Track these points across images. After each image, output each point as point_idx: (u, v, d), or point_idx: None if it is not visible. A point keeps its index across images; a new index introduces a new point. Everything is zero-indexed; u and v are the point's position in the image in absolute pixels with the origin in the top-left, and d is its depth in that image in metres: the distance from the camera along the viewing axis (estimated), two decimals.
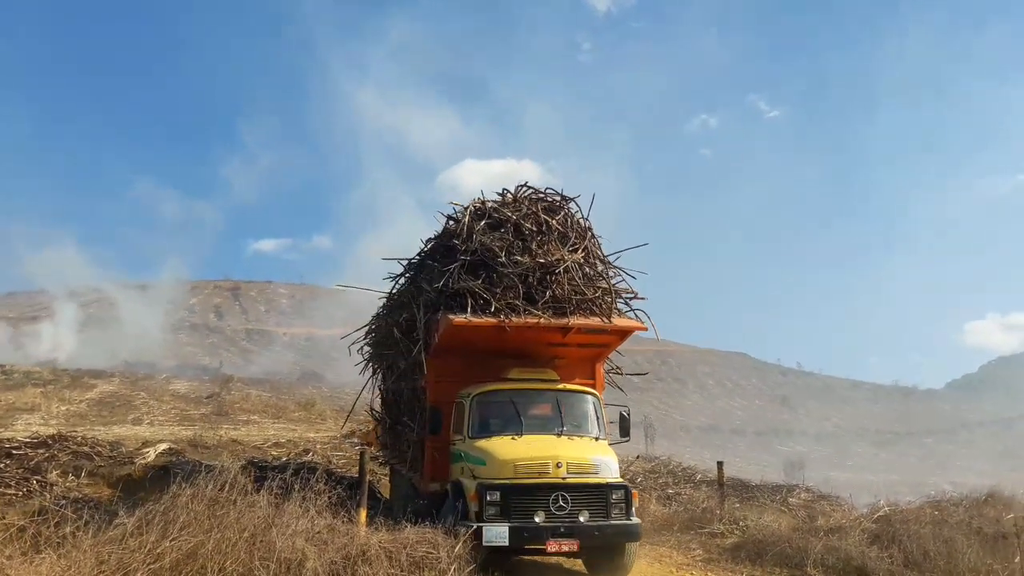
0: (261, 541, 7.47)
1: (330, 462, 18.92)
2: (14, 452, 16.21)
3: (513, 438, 10.29)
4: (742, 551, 12.39)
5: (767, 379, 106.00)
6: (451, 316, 10.62)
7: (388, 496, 16.03)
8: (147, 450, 18.12)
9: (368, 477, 15.66)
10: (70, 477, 15.17)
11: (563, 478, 9.72)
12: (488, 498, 9.52)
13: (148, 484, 14.28)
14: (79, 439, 18.19)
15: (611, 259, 12.14)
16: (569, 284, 11.20)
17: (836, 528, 12.96)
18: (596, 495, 9.82)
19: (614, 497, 9.87)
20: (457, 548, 8.20)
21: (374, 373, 16.85)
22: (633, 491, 10.24)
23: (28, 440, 17.74)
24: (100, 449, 17.55)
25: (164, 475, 15.15)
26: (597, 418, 11.05)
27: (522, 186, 12.47)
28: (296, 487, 8.41)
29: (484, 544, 9.24)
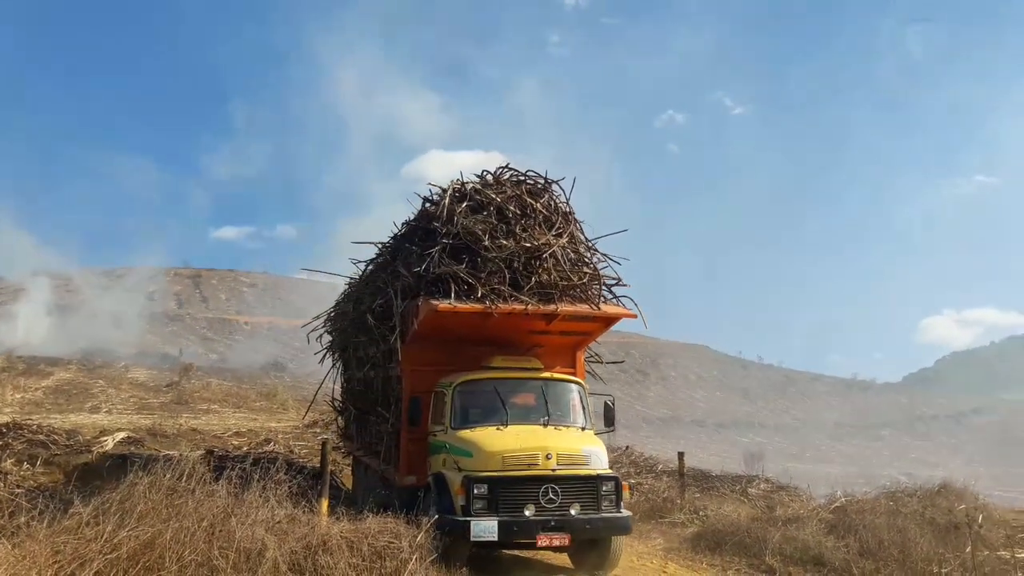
0: (220, 531, 7.39)
1: (291, 452, 18.79)
2: None
3: (498, 428, 10.01)
4: (702, 540, 12.53)
5: (728, 372, 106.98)
6: (434, 302, 10.26)
7: (351, 487, 15.95)
8: (105, 439, 17.85)
9: (330, 468, 15.63)
10: (25, 466, 14.91)
11: (553, 470, 9.47)
12: (475, 491, 9.24)
13: (105, 473, 14.08)
14: (34, 427, 17.87)
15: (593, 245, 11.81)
16: (555, 269, 10.92)
17: (794, 518, 13.14)
18: (587, 487, 9.59)
19: (604, 489, 9.64)
20: (419, 538, 8.18)
21: (336, 362, 16.61)
22: (623, 483, 10.02)
23: None
24: (56, 437, 17.25)
25: (122, 464, 14.94)
26: (583, 408, 10.81)
27: (504, 168, 12.13)
28: (256, 477, 8.33)
29: (472, 539, 9.05)
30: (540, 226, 11.27)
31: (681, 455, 16.94)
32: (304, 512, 8.29)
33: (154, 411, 27.19)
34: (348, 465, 17.25)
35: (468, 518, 9.14)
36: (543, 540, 9.29)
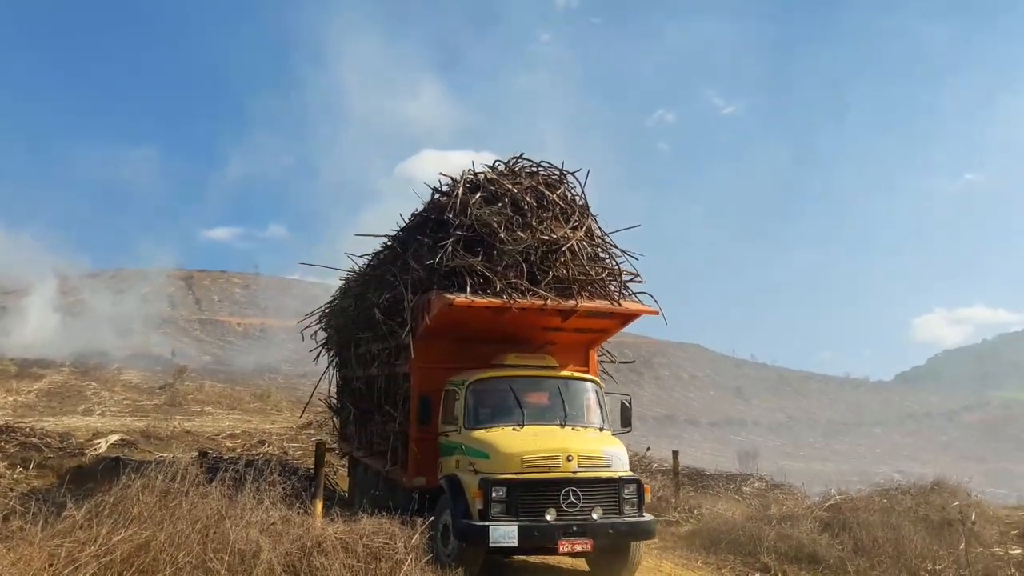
0: (214, 533, 7.36)
1: (286, 453, 18.78)
2: None
3: (514, 429, 9.62)
4: (697, 539, 12.56)
5: (721, 370, 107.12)
6: (449, 295, 9.83)
7: (347, 489, 15.90)
8: (98, 441, 17.84)
9: (324, 469, 15.57)
10: (18, 469, 14.87)
11: (574, 472, 9.08)
12: (494, 495, 8.83)
13: (99, 475, 14.03)
14: (27, 430, 17.85)
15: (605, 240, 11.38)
16: (573, 264, 10.53)
17: (788, 516, 13.16)
18: (608, 490, 9.21)
19: (626, 492, 9.26)
20: (414, 539, 8.16)
21: (332, 360, 16.28)
22: (645, 485, 9.65)
23: None
24: (49, 440, 17.25)
25: (115, 466, 14.91)
26: (600, 408, 10.41)
27: (517, 158, 11.68)
28: (250, 478, 8.30)
29: (491, 545, 8.71)
30: (557, 218, 10.88)
31: (675, 454, 16.97)
32: (299, 513, 8.26)
33: (147, 413, 27.15)
34: (343, 466, 17.22)
35: (486, 523, 8.75)
36: (565, 545, 8.90)
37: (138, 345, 53.40)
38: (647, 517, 9.46)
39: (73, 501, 7.81)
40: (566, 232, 10.64)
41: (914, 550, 11.15)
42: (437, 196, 11.47)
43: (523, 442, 9.29)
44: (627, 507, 9.23)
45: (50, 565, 6.79)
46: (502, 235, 10.28)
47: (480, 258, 10.13)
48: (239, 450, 18.78)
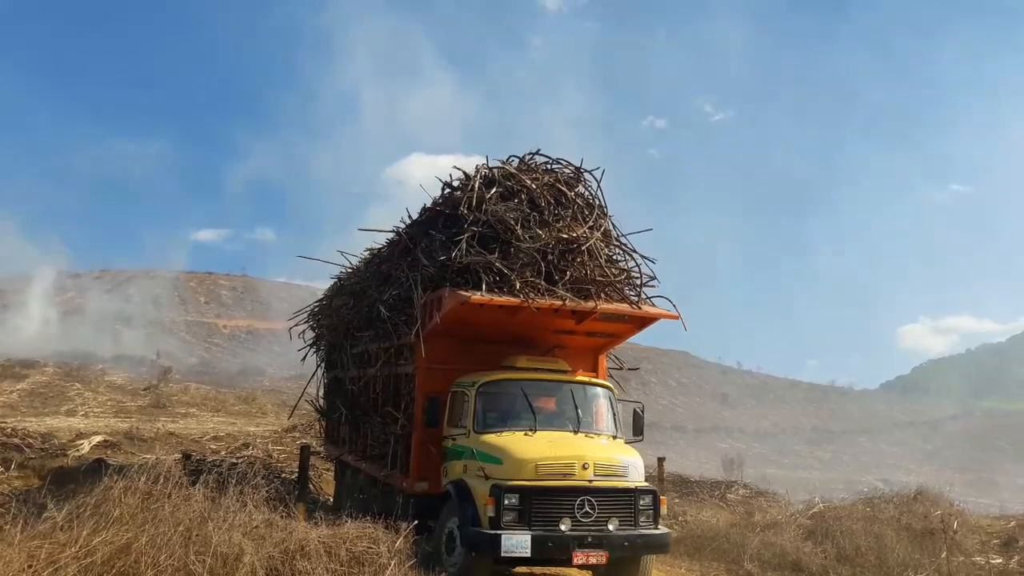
0: (197, 535, 7.31)
1: (270, 456, 18.67)
2: None
3: (526, 434, 9.28)
4: (681, 545, 12.55)
5: (707, 377, 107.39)
6: (465, 293, 9.42)
7: (332, 493, 15.80)
8: (81, 442, 17.68)
9: (308, 472, 15.49)
10: None
11: (589, 481, 8.76)
12: (506, 502, 8.47)
13: (81, 477, 13.93)
14: (9, 430, 17.70)
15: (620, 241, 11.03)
16: (591, 264, 10.19)
17: (772, 524, 13.21)
18: (625, 501, 8.89)
19: (642, 503, 8.95)
20: (398, 543, 8.13)
21: (321, 361, 15.96)
22: (661, 497, 9.38)
23: None
24: (31, 441, 17.11)
25: (98, 468, 14.81)
26: (614, 415, 10.11)
27: (533, 153, 11.27)
28: (233, 481, 8.26)
29: (503, 554, 8.38)
30: (577, 217, 10.52)
31: (661, 460, 16.98)
32: (282, 517, 8.22)
33: (131, 415, 26.96)
34: (327, 470, 17.14)
35: (498, 531, 8.40)
36: (579, 557, 8.56)
37: (123, 346, 53.14)
38: (663, 530, 9.20)
39: (54, 502, 7.77)
40: (584, 231, 10.30)
41: (896, 558, 11.21)
42: (448, 191, 11.05)
43: (538, 448, 8.97)
44: (642, 519, 8.95)
45: (29, 567, 6.72)
46: (519, 232, 9.89)
47: (496, 255, 9.73)
48: (223, 452, 18.66)
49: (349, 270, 14.57)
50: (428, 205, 11.55)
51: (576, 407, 9.82)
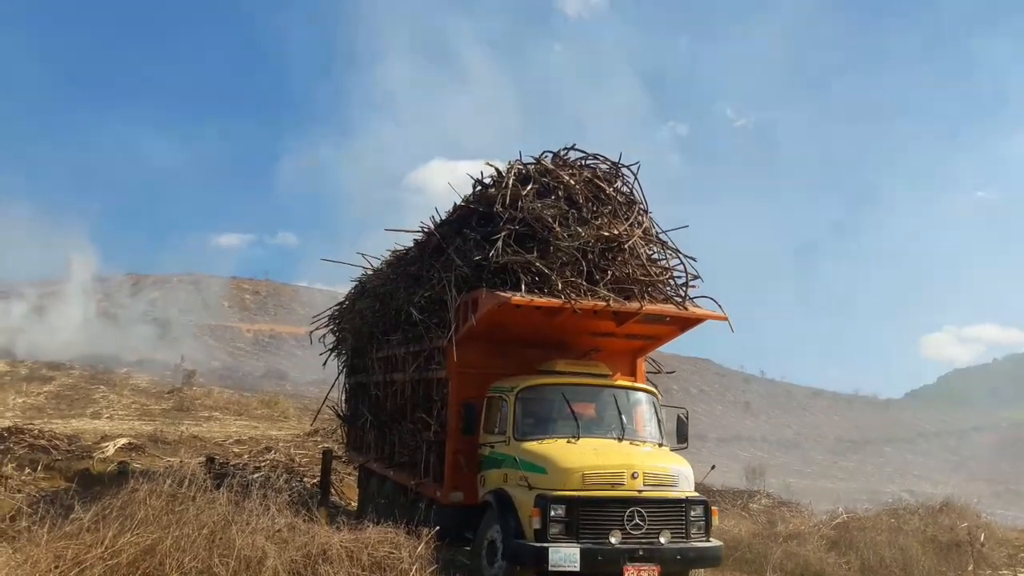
0: (221, 538, 7.38)
1: (292, 460, 18.77)
2: None
3: (569, 441, 8.93)
4: None
5: (730, 385, 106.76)
6: (505, 294, 9.07)
7: (354, 498, 15.84)
8: (106, 444, 17.86)
9: (331, 477, 15.58)
10: (26, 471, 14.89)
11: (639, 491, 8.42)
12: (552, 513, 8.15)
13: (106, 479, 14.09)
14: (36, 432, 17.91)
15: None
16: (634, 263, 9.86)
17: (795, 534, 13.10)
18: (675, 512, 8.57)
19: (693, 514, 8.65)
20: (419, 548, 8.15)
21: (343, 366, 15.72)
22: (712, 508, 9.04)
23: None
24: (57, 442, 17.30)
25: (123, 470, 14.98)
26: (658, 421, 9.79)
27: (568, 148, 10.90)
28: (257, 484, 8.32)
29: (550, 568, 8.03)
30: (619, 214, 10.18)
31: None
32: (304, 521, 8.27)
33: (155, 417, 27.21)
34: (348, 474, 17.20)
35: (544, 544, 8.07)
36: (630, 572, 8.17)
37: (147, 349, 53.62)
38: (714, 543, 8.85)
39: (81, 504, 7.85)
40: (626, 229, 9.95)
41: (922, 571, 11.09)
42: (480, 188, 10.75)
43: (584, 456, 8.63)
44: (694, 531, 8.63)
45: (56, 567, 6.82)
46: (557, 230, 9.53)
47: (535, 255, 9.41)
48: (246, 456, 18.80)
49: (371, 272, 14.35)
50: (459, 203, 11.24)
51: (620, 413, 9.46)
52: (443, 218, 11.51)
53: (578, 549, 8.07)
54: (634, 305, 9.46)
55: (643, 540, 8.32)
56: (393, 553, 7.99)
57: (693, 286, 10.30)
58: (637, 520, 8.34)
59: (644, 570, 8.22)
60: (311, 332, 16.35)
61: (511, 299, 8.98)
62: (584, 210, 10.00)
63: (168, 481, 8.02)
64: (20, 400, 29.43)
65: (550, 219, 9.63)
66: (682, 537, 8.54)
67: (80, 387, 32.81)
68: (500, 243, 9.39)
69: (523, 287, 9.19)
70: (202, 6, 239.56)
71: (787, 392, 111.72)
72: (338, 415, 16.28)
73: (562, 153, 10.83)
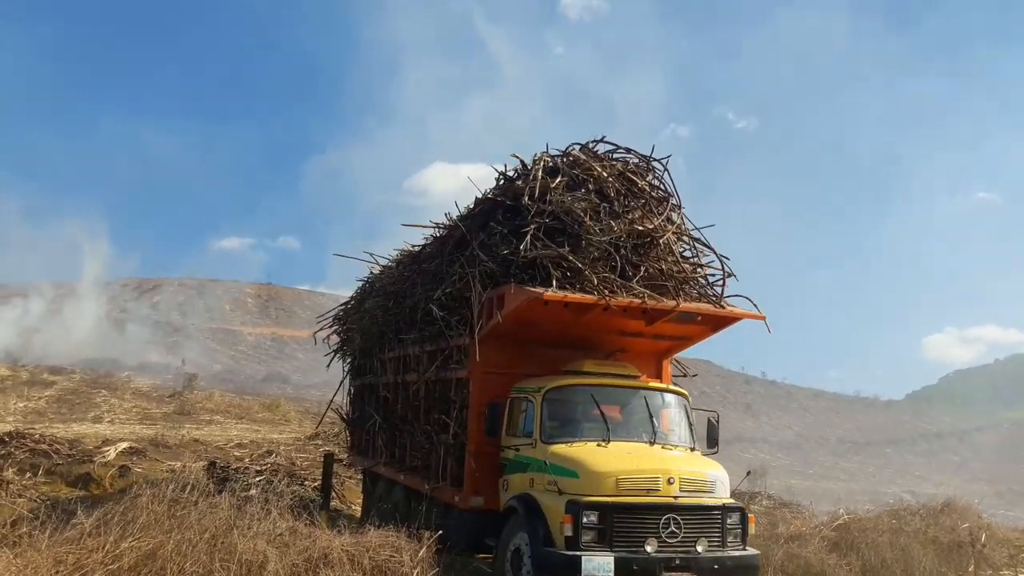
0: (222, 543, 7.39)
1: (293, 464, 18.78)
2: None
3: (600, 445, 8.59)
4: None
5: (731, 387, 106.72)
6: (535, 289, 8.70)
7: (355, 501, 15.82)
8: (107, 449, 17.88)
9: (332, 481, 15.57)
10: (27, 475, 14.91)
11: (675, 497, 8.08)
12: (585, 520, 7.79)
13: (107, 483, 14.11)
14: (37, 436, 17.92)
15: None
16: (668, 259, 9.56)
17: (796, 535, 13.08)
18: (712, 519, 8.26)
19: (729, 522, 8.33)
20: (421, 552, 8.15)
21: (349, 367, 15.36)
22: (749, 515, 8.72)
23: None
24: (59, 447, 17.31)
25: (124, 474, 14.98)
26: (689, 424, 9.46)
27: (597, 140, 10.47)
28: (258, 488, 8.32)
29: None
30: (652, 209, 9.85)
31: None
32: (305, 524, 8.27)
33: (156, 421, 27.26)
34: (349, 477, 17.19)
35: (577, 552, 7.71)
36: None
37: (149, 353, 53.65)
38: (751, 551, 8.56)
39: (82, 508, 7.86)
40: (659, 223, 9.62)
41: (923, 572, 11.08)
42: (505, 181, 10.41)
43: (617, 460, 8.29)
44: (730, 538, 8.32)
45: (57, 572, 6.83)
46: (589, 224, 9.14)
47: (566, 249, 9.04)
48: (247, 460, 18.80)
49: (380, 271, 14.08)
50: (480, 196, 10.84)
51: (651, 416, 9.13)
52: (464, 212, 11.06)
53: (612, 558, 7.74)
54: (670, 303, 9.11)
55: (679, 549, 7.99)
56: (394, 557, 7.99)
57: (722, 285, 9.98)
58: (673, 528, 8.02)
59: None
60: (315, 333, 16.06)
61: (543, 295, 8.64)
62: (616, 204, 9.62)
63: (170, 485, 8.02)
64: (21, 404, 29.48)
65: (581, 212, 9.26)
66: (718, 545, 8.24)
67: (81, 391, 32.85)
68: (529, 237, 9.02)
69: (554, 283, 8.83)
70: (202, 7, 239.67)
71: (788, 394, 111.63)
72: (342, 418, 16.02)
73: (591, 145, 10.43)
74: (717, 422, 9.85)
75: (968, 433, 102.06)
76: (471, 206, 10.96)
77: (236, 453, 20.06)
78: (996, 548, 13.35)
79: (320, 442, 22.05)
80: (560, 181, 9.61)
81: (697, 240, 10.29)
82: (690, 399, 9.73)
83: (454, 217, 11.24)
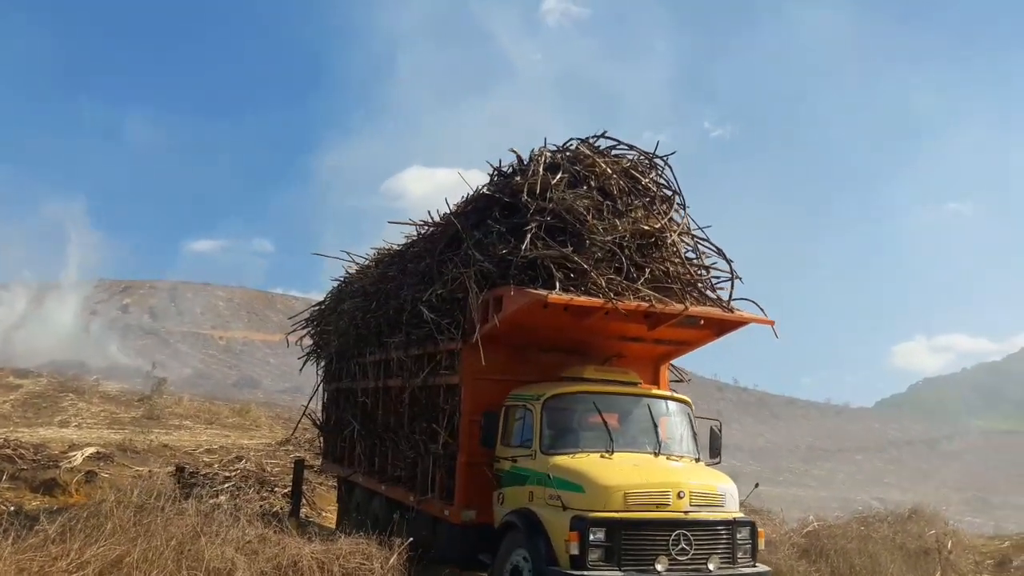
0: (189, 550, 7.31)
1: (263, 470, 18.57)
2: None
3: (603, 456, 8.20)
4: None
5: (703, 393, 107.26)
6: (537, 291, 8.33)
7: (325, 507, 15.69)
8: (74, 454, 17.58)
9: (302, 487, 15.43)
10: None
11: (685, 512, 7.73)
12: (592, 537, 7.38)
13: (73, 489, 13.89)
14: (1, 441, 17.59)
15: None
16: (673, 260, 9.25)
17: (766, 542, 13.07)
18: (723, 535, 7.91)
19: (740, 537, 7.98)
20: (392, 560, 8.11)
21: (324, 370, 14.78)
22: (759, 529, 8.37)
23: None
24: (23, 452, 16.98)
25: (90, 480, 14.76)
26: (693, 434, 9.12)
27: (599, 136, 10.07)
28: (227, 494, 8.25)
29: None
30: (658, 208, 9.52)
31: None
32: (275, 532, 8.18)
33: (125, 426, 26.84)
34: (320, 484, 17.05)
35: (583, 572, 7.35)
36: None
37: (118, 356, 53.02)
38: (762, 568, 8.26)
39: (46, 515, 7.73)
40: (665, 223, 9.29)
41: None
42: (500, 177, 10.02)
43: (625, 474, 7.92)
44: (740, 554, 7.98)
45: None
46: (592, 222, 8.78)
47: (569, 249, 8.66)
48: (216, 465, 18.57)
49: (357, 271, 13.65)
50: (473, 193, 10.42)
51: (655, 425, 8.73)
52: (455, 209, 10.56)
53: None
54: (678, 306, 8.71)
55: (690, 567, 7.65)
56: (364, 564, 7.96)
57: (723, 288, 9.66)
58: (683, 544, 7.65)
59: None
60: (288, 335, 15.68)
61: (547, 297, 8.23)
62: (619, 202, 9.31)
63: (136, 491, 7.92)
64: None
65: (583, 211, 8.90)
66: (729, 562, 7.90)
67: (48, 395, 32.30)
68: (529, 236, 8.66)
69: (557, 284, 8.43)
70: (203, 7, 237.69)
71: (760, 401, 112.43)
72: (315, 424, 15.55)
73: (592, 141, 10.03)
74: (720, 431, 9.56)
75: (937, 441, 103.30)
76: (462, 203, 10.55)
77: (205, 458, 19.79)
78: (962, 555, 13.50)
79: (291, 448, 21.85)
80: (561, 177, 9.25)
81: (703, 241, 9.96)
82: (693, 407, 9.41)
83: (445, 214, 10.77)
